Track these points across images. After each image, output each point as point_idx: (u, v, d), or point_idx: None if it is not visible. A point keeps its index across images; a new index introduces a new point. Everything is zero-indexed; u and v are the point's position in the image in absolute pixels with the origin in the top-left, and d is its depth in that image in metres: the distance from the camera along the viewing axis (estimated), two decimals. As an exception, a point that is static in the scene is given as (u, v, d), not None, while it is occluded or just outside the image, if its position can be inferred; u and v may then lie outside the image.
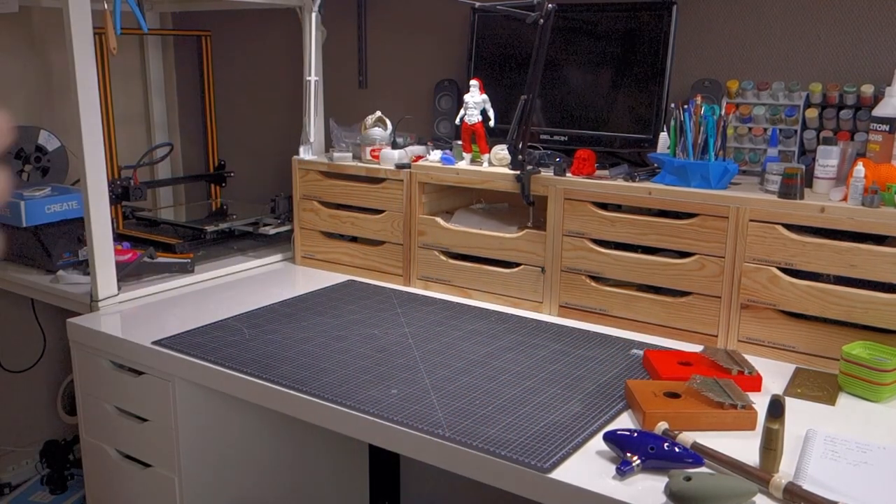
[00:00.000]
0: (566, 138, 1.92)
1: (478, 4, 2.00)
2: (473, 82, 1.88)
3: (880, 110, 1.53)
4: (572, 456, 1.18)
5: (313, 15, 2.17)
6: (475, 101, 1.86)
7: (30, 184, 2.27)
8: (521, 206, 1.85)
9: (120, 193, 2.23)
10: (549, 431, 1.25)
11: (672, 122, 1.64)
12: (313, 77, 2.18)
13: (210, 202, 2.73)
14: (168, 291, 1.96)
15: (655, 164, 1.71)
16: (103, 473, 1.80)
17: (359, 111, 2.18)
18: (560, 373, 1.48)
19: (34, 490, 2.41)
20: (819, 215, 1.47)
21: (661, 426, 1.22)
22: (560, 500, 1.13)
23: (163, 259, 2.03)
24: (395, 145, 2.05)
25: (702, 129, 1.60)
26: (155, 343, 1.61)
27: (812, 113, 1.69)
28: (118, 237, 2.10)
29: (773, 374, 1.48)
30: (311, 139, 2.20)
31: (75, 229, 2.08)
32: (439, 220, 1.95)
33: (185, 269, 2.04)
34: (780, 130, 1.73)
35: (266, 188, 2.68)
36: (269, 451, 1.84)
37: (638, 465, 1.13)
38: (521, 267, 1.84)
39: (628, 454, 1.14)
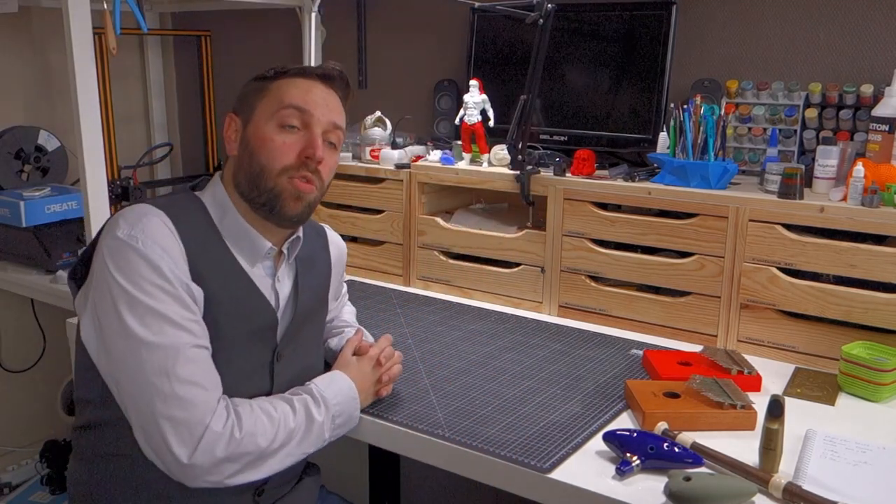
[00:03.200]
0: (566, 138, 1.92)
1: (478, 4, 2.00)
2: (473, 82, 1.88)
3: (880, 110, 1.53)
4: (572, 456, 1.18)
5: (313, 15, 2.17)
6: (475, 101, 1.86)
7: (30, 184, 2.27)
8: (521, 206, 1.85)
9: (120, 193, 2.23)
10: (548, 431, 1.25)
11: (672, 122, 1.64)
12: (313, 77, 2.18)
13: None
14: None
15: (655, 164, 1.71)
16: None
17: (359, 111, 2.17)
18: (560, 373, 1.48)
19: (34, 490, 2.41)
20: (819, 215, 1.47)
21: (661, 426, 1.22)
22: (560, 500, 1.13)
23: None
24: (394, 145, 2.05)
25: (701, 129, 1.60)
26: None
27: (812, 113, 1.69)
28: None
29: (773, 374, 1.48)
30: (311, 139, 2.19)
31: (75, 229, 2.08)
32: (439, 220, 1.95)
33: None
34: (780, 130, 1.73)
35: (266, 188, 2.67)
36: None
37: (637, 465, 1.13)
38: (521, 267, 1.84)
39: (628, 454, 1.14)
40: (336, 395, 1.23)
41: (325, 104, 1.22)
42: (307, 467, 1.42)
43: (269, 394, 1.23)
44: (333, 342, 1.47)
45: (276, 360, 1.25)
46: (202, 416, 1.06)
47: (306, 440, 1.17)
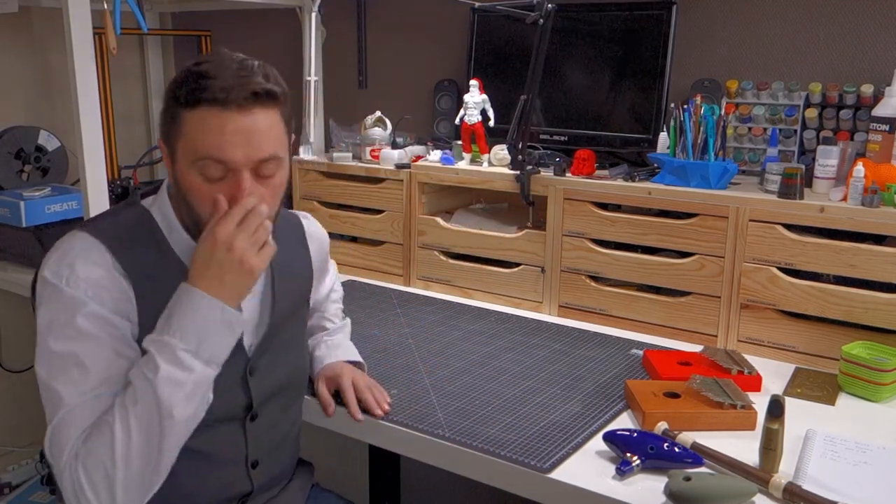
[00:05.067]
0: (566, 138, 1.92)
1: (478, 4, 2.00)
2: (473, 82, 1.88)
3: (880, 110, 1.53)
4: (572, 456, 1.19)
5: (313, 15, 2.17)
6: (475, 101, 1.86)
7: (30, 184, 2.27)
8: (521, 206, 1.85)
9: (120, 193, 2.23)
10: (548, 431, 1.25)
11: (672, 122, 1.64)
12: (313, 77, 2.18)
13: (210, 202, 2.72)
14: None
15: (655, 164, 1.71)
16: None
17: (359, 111, 2.17)
18: (560, 373, 1.48)
19: (34, 490, 2.41)
20: (819, 215, 1.47)
21: (661, 426, 1.22)
22: (560, 500, 1.13)
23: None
24: (394, 145, 2.05)
25: (701, 129, 1.60)
26: (155, 343, 1.60)
27: (812, 113, 1.69)
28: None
29: (773, 374, 1.48)
30: (311, 139, 2.20)
31: (75, 229, 2.07)
32: (439, 220, 1.95)
33: (185, 269, 2.04)
34: (780, 130, 1.73)
35: (266, 188, 2.67)
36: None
37: (638, 465, 1.13)
38: (521, 267, 1.84)
39: (628, 454, 1.14)
40: (176, 327, 1.03)
41: (246, 142, 1.05)
42: (299, 464, 1.40)
43: (249, 407, 1.20)
44: (321, 350, 1.43)
45: (250, 374, 1.20)
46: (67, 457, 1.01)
47: (162, 410, 1.01)
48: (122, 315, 1.07)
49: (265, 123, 1.07)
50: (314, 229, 1.42)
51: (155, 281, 1.10)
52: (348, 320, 1.55)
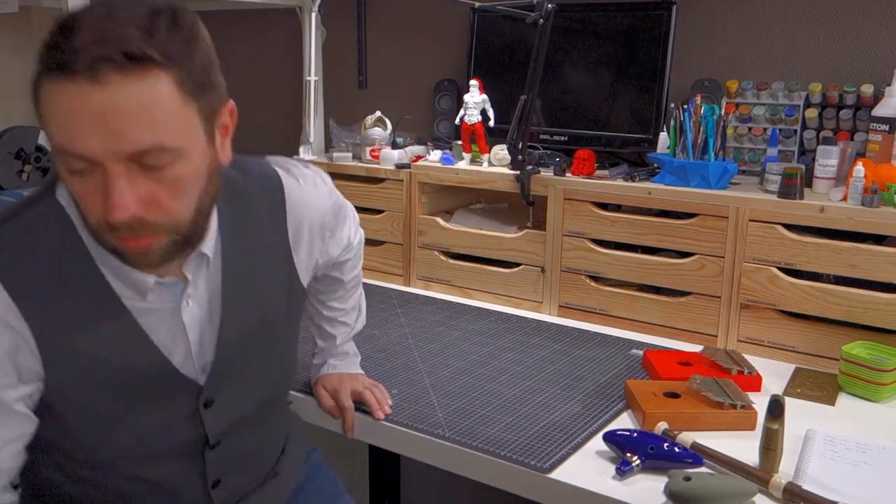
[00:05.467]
0: (566, 138, 1.92)
1: (478, 4, 2.00)
2: (473, 82, 1.88)
3: (880, 110, 1.53)
4: (572, 456, 1.18)
5: (313, 15, 2.17)
6: (475, 101, 1.86)
7: (30, 184, 2.27)
8: (521, 206, 1.85)
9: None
10: (548, 431, 1.25)
11: (672, 122, 1.64)
12: (313, 77, 2.18)
13: (210, 202, 2.72)
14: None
15: (655, 164, 1.71)
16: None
17: (359, 111, 2.17)
18: (560, 373, 1.48)
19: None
20: (819, 215, 1.47)
21: (661, 426, 1.22)
22: (560, 500, 1.13)
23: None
24: (394, 145, 2.05)
25: (701, 129, 1.60)
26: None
27: (812, 113, 1.69)
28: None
29: (773, 374, 1.48)
30: (311, 139, 2.20)
31: (75, 229, 2.07)
32: (439, 220, 1.95)
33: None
34: (780, 130, 1.73)
35: (266, 188, 2.67)
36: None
37: (638, 466, 1.13)
38: (521, 267, 1.84)
39: (628, 454, 1.14)
40: None
41: (103, 126, 0.76)
42: (289, 441, 1.25)
43: (206, 442, 1.01)
44: (320, 357, 1.38)
45: (206, 407, 0.98)
46: None
47: None
48: (10, 382, 0.87)
49: (134, 100, 0.76)
50: (300, 196, 1.07)
51: (57, 304, 0.88)
52: (363, 301, 1.39)
